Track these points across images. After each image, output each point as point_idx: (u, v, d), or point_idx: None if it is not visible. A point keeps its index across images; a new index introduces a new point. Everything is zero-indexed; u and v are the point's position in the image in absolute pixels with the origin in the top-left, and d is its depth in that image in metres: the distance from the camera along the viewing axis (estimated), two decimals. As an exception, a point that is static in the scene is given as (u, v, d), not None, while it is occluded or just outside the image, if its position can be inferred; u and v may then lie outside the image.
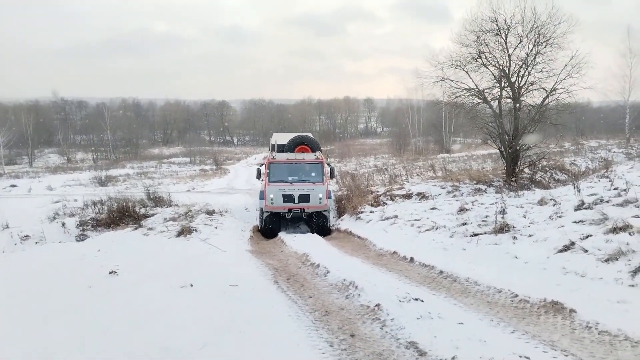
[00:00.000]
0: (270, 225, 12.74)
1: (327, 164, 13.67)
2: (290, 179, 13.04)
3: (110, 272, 7.24)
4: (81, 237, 11.96)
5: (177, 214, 12.88)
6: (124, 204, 13.51)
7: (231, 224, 12.49)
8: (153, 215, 13.12)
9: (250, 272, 7.51)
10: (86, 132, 73.12)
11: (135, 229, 11.92)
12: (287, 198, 12.74)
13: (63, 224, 12.69)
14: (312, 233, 12.68)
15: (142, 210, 13.51)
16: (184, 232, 11.05)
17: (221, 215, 13.11)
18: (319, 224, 13.02)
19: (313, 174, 13.27)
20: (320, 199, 12.77)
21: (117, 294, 6.22)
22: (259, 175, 13.75)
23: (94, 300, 5.91)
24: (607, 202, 9.13)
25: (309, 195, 12.78)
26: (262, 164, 14.09)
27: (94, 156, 56.81)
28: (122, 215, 13.01)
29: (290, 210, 12.77)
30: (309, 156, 13.59)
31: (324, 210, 13.08)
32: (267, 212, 12.83)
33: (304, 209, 12.81)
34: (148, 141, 75.91)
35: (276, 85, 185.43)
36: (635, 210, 8.18)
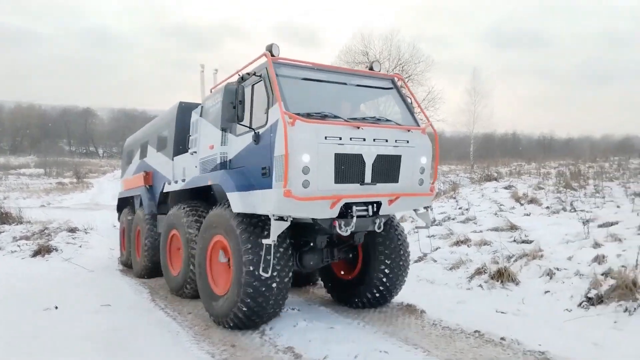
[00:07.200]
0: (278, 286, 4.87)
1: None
2: (345, 117, 4.87)
3: (-50, 298, 6.35)
4: None
5: (30, 232, 11.60)
6: (-39, 221, 11.73)
7: (98, 242, 11.64)
8: (0, 233, 11.61)
9: (124, 291, 7.19)
10: None
11: (-21, 249, 10.45)
12: (352, 166, 4.69)
13: None
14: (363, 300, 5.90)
15: (-16, 229, 11.84)
16: (42, 251, 10.02)
17: (86, 233, 12.12)
18: (391, 273, 5.75)
19: (392, 110, 5.73)
20: (422, 172, 5.26)
21: (-38, 321, 5.50)
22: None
23: None
24: (453, 219, 10.77)
25: (399, 157, 5.02)
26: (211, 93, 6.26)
27: None
28: (-41, 234, 11.23)
29: (347, 211, 4.78)
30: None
31: (394, 220, 5.95)
32: (275, 220, 4.54)
33: (379, 205, 5.00)
34: (-9, 149, 66.02)
35: (151, 95, 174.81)
36: (474, 226, 9.80)
